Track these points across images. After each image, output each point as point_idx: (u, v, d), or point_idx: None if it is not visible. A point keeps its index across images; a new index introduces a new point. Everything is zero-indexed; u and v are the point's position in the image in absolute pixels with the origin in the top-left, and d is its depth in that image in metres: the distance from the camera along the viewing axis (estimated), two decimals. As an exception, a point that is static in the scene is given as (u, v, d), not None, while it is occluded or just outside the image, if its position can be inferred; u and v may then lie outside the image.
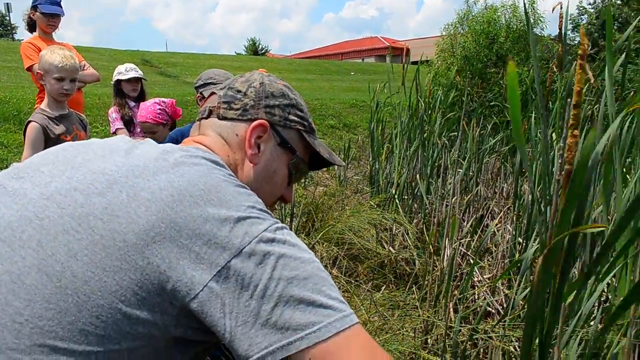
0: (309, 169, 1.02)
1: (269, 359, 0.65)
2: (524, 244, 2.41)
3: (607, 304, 1.83)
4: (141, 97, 3.44)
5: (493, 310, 2.19)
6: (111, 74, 3.38)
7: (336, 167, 5.94)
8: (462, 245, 2.56)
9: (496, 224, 2.82)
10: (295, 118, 0.95)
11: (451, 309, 1.96)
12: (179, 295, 0.65)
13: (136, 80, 3.40)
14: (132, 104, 3.40)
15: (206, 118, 0.92)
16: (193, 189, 0.71)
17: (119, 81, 3.37)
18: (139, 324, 0.66)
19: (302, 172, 0.98)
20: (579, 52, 0.59)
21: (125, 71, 3.38)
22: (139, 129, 3.26)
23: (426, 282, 2.07)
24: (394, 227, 3.51)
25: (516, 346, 1.83)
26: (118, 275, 0.65)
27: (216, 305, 0.65)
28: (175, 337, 0.69)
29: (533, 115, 3.09)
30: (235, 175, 0.81)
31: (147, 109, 2.87)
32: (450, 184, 3.62)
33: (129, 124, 3.34)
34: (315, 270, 0.69)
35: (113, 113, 3.37)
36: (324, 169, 6.42)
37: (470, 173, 3.68)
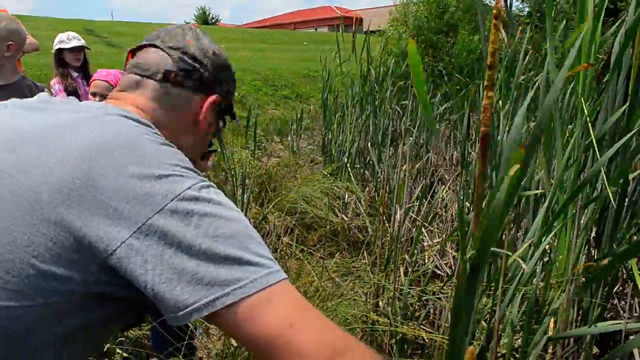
0: (232, 119, 1.04)
1: (195, 315, 0.64)
2: (472, 208, 2.47)
3: (548, 263, 1.90)
4: (85, 68, 3.29)
5: (442, 273, 2.25)
6: (52, 44, 3.22)
7: (289, 137, 5.91)
8: (412, 211, 2.61)
9: (445, 190, 2.88)
10: (232, 90, 0.98)
11: (401, 273, 2.00)
12: (96, 252, 0.64)
13: (79, 49, 3.25)
14: (75, 74, 3.25)
15: (157, 81, 0.87)
16: (112, 146, 0.69)
17: (60, 50, 3.21)
18: (55, 280, 0.64)
19: (224, 123, 1.00)
20: (493, 12, 0.59)
21: (67, 39, 3.21)
22: (85, 99, 3.13)
23: (376, 248, 2.10)
24: (347, 196, 3.54)
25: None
26: (29, 230, 0.64)
27: (136, 262, 0.64)
28: (96, 293, 0.67)
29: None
30: (167, 139, 0.79)
31: (109, 72, 2.74)
32: (401, 151, 3.66)
33: (73, 96, 3.20)
34: (242, 228, 0.69)
35: (56, 84, 3.21)
36: (278, 141, 6.39)
37: (421, 141, 3.73)
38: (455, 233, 2.03)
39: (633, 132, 1.38)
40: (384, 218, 2.14)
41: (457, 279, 0.83)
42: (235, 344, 1.85)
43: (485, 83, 0.67)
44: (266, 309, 0.64)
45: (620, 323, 1.29)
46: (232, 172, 3.32)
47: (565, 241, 1.73)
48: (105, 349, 1.85)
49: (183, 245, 0.65)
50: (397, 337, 1.67)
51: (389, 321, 1.69)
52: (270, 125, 6.75)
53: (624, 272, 1.81)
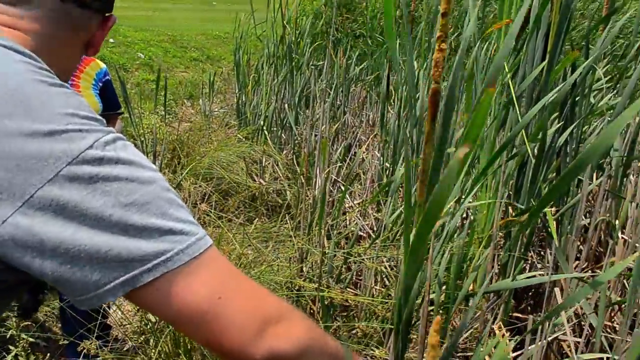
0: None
1: (109, 297, 0.55)
2: (391, 168, 2.47)
3: (470, 220, 1.93)
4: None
5: (364, 234, 2.24)
6: None
7: (201, 101, 5.67)
8: (333, 173, 2.57)
9: (364, 151, 2.86)
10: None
11: (324, 236, 1.96)
12: None
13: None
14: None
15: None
16: None
17: None
18: None
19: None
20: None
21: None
22: None
23: (299, 211, 2.04)
24: (264, 159, 3.44)
25: (387, 266, 1.88)
26: None
27: (27, 244, 0.52)
28: None
29: (398, 42, 3.12)
30: (51, 69, 0.63)
31: None
32: (318, 113, 3.60)
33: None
34: (158, 191, 0.58)
35: None
36: (189, 105, 6.12)
37: (338, 102, 3.69)
38: (378, 195, 2.01)
39: (553, 93, 1.39)
40: (305, 180, 2.09)
41: (404, 250, 0.80)
42: (154, 319, 1.75)
43: (438, 34, 0.61)
44: (192, 282, 0.57)
45: (543, 276, 1.32)
46: (142, 139, 3.12)
47: (486, 198, 1.76)
48: (8, 336, 1.68)
49: (89, 219, 0.53)
50: (324, 302, 1.64)
51: (314, 286, 1.65)
52: (180, 88, 6.45)
53: (540, 224, 1.87)
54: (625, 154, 1.89)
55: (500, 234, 1.65)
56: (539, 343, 1.18)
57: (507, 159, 1.62)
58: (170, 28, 9.18)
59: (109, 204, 0.54)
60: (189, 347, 1.66)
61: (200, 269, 0.57)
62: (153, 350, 1.73)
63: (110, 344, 1.85)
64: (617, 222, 1.94)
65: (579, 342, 1.34)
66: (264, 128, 3.63)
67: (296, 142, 3.50)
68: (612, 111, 1.84)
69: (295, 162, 3.35)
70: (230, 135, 3.98)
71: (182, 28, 9.54)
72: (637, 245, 1.69)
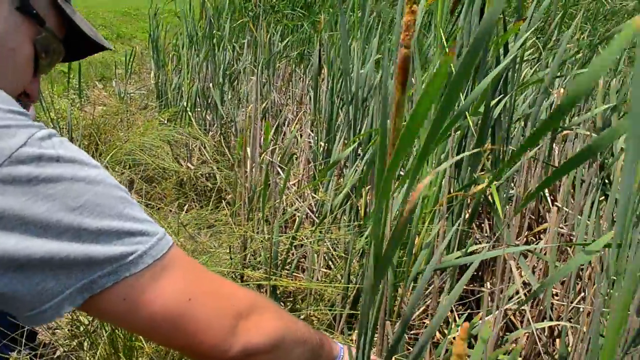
0: (64, 51, 0.73)
1: (66, 307, 0.49)
2: (326, 146, 2.43)
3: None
4: None
5: (299, 214, 2.19)
6: None
7: (114, 82, 5.36)
8: (267, 154, 2.49)
9: (295, 130, 2.80)
10: None
11: (274, 222, 1.89)
12: None
13: None
14: None
15: None
16: None
17: None
18: None
19: (54, 53, 0.70)
20: None
21: None
22: None
23: (238, 196, 1.96)
24: (190, 142, 3.30)
25: (329, 246, 1.85)
26: None
27: None
28: None
29: (323, 17, 3.06)
30: None
31: None
32: (243, 91, 3.49)
33: None
34: (109, 190, 0.52)
35: None
36: (101, 87, 5.76)
37: (264, 79, 3.59)
38: (324, 175, 1.96)
39: (498, 69, 1.39)
40: (243, 162, 2.00)
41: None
42: (88, 321, 1.62)
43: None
44: (159, 286, 0.54)
45: (489, 250, 1.33)
46: (55, 125, 2.89)
47: (429, 174, 1.75)
48: None
49: (33, 227, 0.46)
50: (275, 290, 1.58)
51: (261, 275, 1.59)
52: (91, 69, 6.06)
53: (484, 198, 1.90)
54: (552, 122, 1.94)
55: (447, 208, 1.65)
56: (496, 312, 1.18)
57: (448, 134, 1.61)
58: (74, 3, 8.60)
59: (55, 208, 0.47)
60: (129, 346, 1.56)
61: (165, 271, 0.54)
62: (88, 354, 1.61)
63: (38, 351, 1.70)
64: (547, 192, 2.01)
65: (534, 312, 1.36)
66: (188, 109, 3.48)
67: (223, 122, 3.37)
68: (541, 83, 1.88)
69: (223, 144, 3.23)
70: (151, 118, 3.78)
71: (88, 4, 8.95)
72: (570, 211, 1.76)
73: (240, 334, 0.58)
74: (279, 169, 2.29)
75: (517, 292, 1.45)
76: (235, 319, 0.58)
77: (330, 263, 1.90)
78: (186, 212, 2.34)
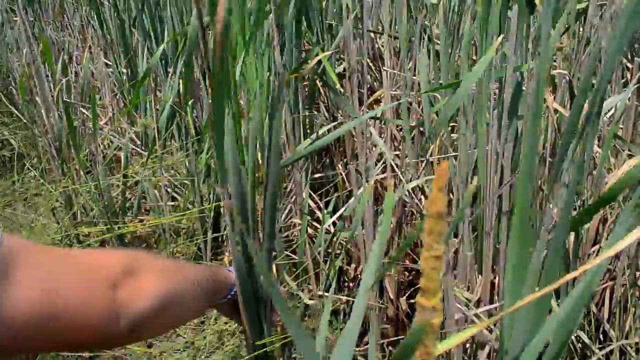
0: None
1: None
2: (129, 70, 2.13)
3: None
4: None
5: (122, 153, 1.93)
6: None
7: None
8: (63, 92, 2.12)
9: (87, 62, 2.43)
10: None
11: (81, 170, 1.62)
12: None
13: None
14: None
15: None
16: None
17: None
18: None
19: None
20: None
21: None
22: None
23: (42, 152, 1.64)
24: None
25: (169, 178, 1.65)
26: None
27: None
28: None
29: None
30: None
31: None
32: (9, 36, 2.95)
33: None
34: None
35: None
36: None
37: (30, 18, 3.06)
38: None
39: None
40: (38, 113, 1.67)
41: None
42: None
43: None
44: (9, 288, 0.43)
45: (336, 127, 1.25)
46: None
47: (252, 64, 1.60)
48: None
49: None
50: (124, 240, 1.37)
51: (102, 227, 1.36)
52: None
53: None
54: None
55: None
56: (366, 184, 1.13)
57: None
58: None
59: None
60: None
61: (9, 268, 0.44)
62: None
63: None
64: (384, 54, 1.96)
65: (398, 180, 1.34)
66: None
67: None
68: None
69: (7, 103, 2.73)
70: None
71: None
72: (399, 73, 1.74)
73: (122, 306, 0.52)
74: (84, 110, 1.97)
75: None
76: (111, 291, 0.51)
77: (175, 195, 1.71)
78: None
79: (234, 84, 1.13)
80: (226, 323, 1.19)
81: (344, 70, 1.70)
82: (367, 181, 1.12)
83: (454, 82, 1.13)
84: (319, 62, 1.43)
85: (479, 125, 0.99)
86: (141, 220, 1.58)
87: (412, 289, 1.48)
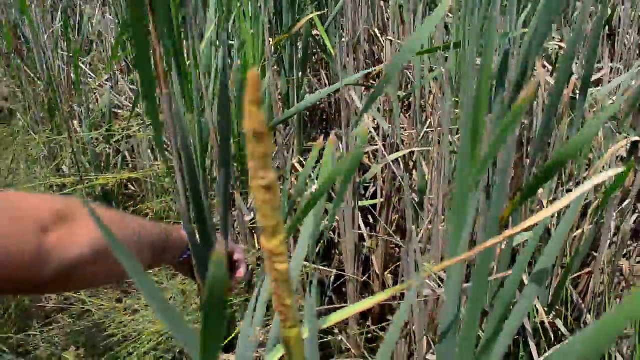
0: None
1: None
2: (116, 20, 2.08)
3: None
4: None
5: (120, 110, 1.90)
6: None
7: None
8: (60, 47, 2.09)
9: (87, 15, 2.39)
10: None
11: (75, 124, 1.60)
12: None
13: None
14: None
15: None
16: None
17: None
18: None
19: None
20: None
21: None
22: None
23: (33, 98, 1.62)
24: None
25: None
26: None
27: None
28: None
29: None
30: None
31: None
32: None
33: None
34: None
35: None
36: None
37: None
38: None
39: None
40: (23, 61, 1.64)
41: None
42: None
43: None
44: None
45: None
46: None
47: (248, 28, 1.56)
48: None
49: None
50: (109, 197, 1.35)
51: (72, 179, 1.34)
52: None
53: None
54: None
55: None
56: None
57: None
58: None
59: None
60: None
61: None
62: None
63: None
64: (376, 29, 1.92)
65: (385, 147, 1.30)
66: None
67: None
68: None
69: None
70: None
71: None
72: (400, 43, 1.69)
73: (50, 251, 0.50)
74: (82, 66, 1.93)
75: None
76: (39, 234, 0.50)
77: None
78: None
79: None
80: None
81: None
82: (347, 148, 1.09)
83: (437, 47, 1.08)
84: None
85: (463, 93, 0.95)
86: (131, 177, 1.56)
87: (398, 264, 1.45)
